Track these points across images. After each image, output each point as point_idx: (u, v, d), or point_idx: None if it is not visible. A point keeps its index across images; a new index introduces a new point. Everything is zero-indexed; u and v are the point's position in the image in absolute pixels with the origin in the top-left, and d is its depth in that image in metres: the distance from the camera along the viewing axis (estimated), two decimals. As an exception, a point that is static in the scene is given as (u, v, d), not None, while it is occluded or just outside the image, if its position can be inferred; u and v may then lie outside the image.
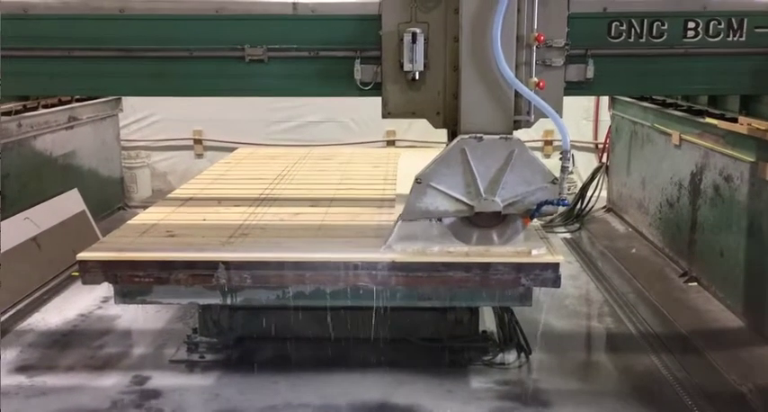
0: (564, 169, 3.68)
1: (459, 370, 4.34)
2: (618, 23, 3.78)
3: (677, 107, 6.11)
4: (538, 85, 3.57)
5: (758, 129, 4.58)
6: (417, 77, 3.73)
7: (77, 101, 7.15)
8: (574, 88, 3.81)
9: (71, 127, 7.02)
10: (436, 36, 3.72)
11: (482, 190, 3.70)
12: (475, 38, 3.58)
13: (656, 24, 3.77)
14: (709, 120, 5.35)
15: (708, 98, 5.58)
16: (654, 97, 6.53)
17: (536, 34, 3.55)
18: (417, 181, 3.73)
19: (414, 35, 3.63)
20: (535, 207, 3.70)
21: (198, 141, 9.20)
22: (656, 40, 3.78)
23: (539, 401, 4.03)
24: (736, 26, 3.77)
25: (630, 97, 7.02)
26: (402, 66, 3.70)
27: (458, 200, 3.73)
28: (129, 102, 8.50)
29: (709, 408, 3.90)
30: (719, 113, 5.30)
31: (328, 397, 4.03)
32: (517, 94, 3.65)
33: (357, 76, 3.80)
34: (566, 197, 3.73)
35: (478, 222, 3.80)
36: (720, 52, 3.80)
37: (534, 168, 3.70)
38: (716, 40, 3.78)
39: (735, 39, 3.78)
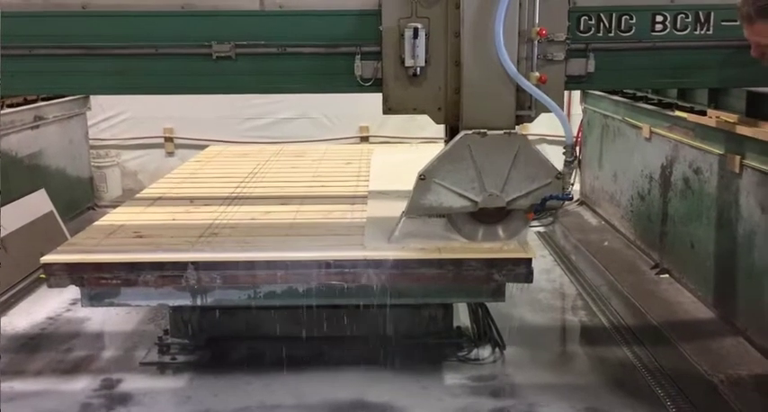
0: (567, 163, 3.69)
1: (434, 366, 4.33)
2: (587, 18, 3.78)
3: (647, 100, 6.15)
4: (540, 79, 3.56)
5: (726, 121, 4.62)
6: (418, 73, 3.70)
7: (43, 100, 7.00)
8: (573, 82, 3.83)
9: (37, 126, 6.88)
10: (437, 31, 3.68)
11: (486, 185, 3.69)
12: (476, 33, 3.56)
13: (624, 18, 3.77)
14: (678, 113, 5.39)
15: (677, 91, 5.62)
16: (624, 91, 6.57)
17: (538, 28, 3.54)
18: (421, 177, 3.70)
19: (415, 30, 3.60)
20: (540, 202, 3.70)
21: (169, 139, 9.08)
22: (624, 34, 3.79)
23: (513, 396, 4.04)
24: (703, 19, 3.79)
25: (602, 91, 7.06)
26: (403, 61, 3.67)
27: (462, 196, 3.72)
28: (97, 100, 8.35)
29: (681, 399, 3.93)
30: (689, 106, 5.34)
31: (302, 396, 4.00)
32: (519, 89, 3.63)
33: (357, 72, 3.75)
34: (570, 191, 3.74)
35: (482, 218, 3.79)
36: (688, 45, 3.81)
37: (538, 163, 3.70)
38: (683, 33, 3.80)
39: (702, 32, 3.80)
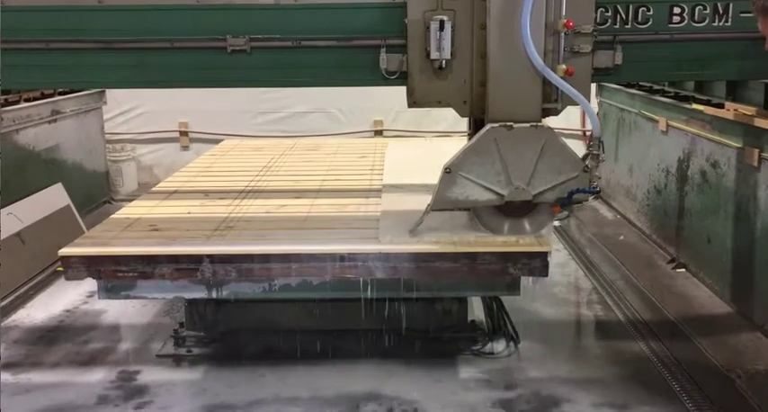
0: (595, 157, 3.67)
1: (448, 360, 4.33)
2: (603, 9, 3.74)
3: (664, 93, 6.10)
4: (567, 71, 3.54)
5: (744, 114, 4.58)
6: (444, 66, 3.69)
7: (60, 94, 7.06)
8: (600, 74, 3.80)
9: (54, 120, 6.94)
10: (463, 23, 3.67)
11: (513, 178, 3.67)
12: (503, 25, 3.54)
13: (641, 10, 3.74)
14: (695, 106, 5.35)
15: (694, 84, 5.57)
16: (640, 84, 6.52)
17: (565, 20, 3.52)
18: (447, 170, 3.68)
19: (441, 23, 3.58)
20: (566, 195, 3.69)
21: (184, 133, 9.11)
22: (641, 26, 3.75)
23: (528, 390, 4.02)
24: (721, 11, 3.75)
25: (618, 84, 7.01)
26: (428, 54, 3.66)
27: (488, 189, 3.70)
28: (113, 94, 8.41)
29: (698, 394, 3.90)
30: (706, 99, 5.29)
31: (317, 389, 4.01)
32: (545, 82, 3.61)
33: (383, 65, 3.74)
34: (597, 185, 3.72)
35: (507, 211, 3.78)
36: (706, 37, 3.77)
37: (565, 156, 3.68)
38: (701, 25, 3.76)
39: (720, 24, 3.75)
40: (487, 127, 3.65)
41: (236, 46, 3.78)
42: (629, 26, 3.75)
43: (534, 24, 3.49)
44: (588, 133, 8.52)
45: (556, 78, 3.56)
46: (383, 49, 3.73)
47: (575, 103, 3.65)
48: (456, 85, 3.77)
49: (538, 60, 3.52)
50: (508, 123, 3.61)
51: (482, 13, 3.61)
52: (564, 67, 3.56)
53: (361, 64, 3.80)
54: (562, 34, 3.56)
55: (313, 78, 3.95)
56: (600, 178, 3.75)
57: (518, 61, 3.57)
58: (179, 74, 3.90)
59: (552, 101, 3.69)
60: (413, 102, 3.82)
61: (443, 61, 3.66)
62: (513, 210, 3.78)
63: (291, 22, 3.78)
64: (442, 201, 3.74)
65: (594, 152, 3.69)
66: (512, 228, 3.81)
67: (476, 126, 3.92)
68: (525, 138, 3.62)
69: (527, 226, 3.81)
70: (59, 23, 3.79)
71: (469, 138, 3.97)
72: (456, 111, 3.85)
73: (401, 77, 3.78)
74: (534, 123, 3.63)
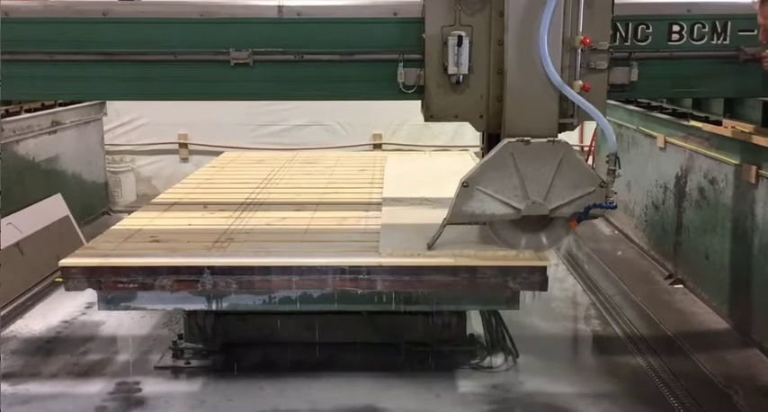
0: (611, 172, 3.69)
1: (447, 373, 4.33)
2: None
3: (662, 110, 6.15)
4: (583, 87, 3.58)
5: (742, 131, 4.62)
6: (461, 80, 3.72)
7: (60, 105, 7.08)
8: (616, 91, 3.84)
9: (54, 131, 6.96)
10: (480, 39, 3.70)
11: (530, 193, 3.69)
12: (521, 41, 3.58)
13: (640, 28, 3.78)
14: (693, 122, 5.38)
15: (692, 101, 5.61)
16: (638, 100, 6.56)
17: (582, 37, 3.55)
18: (464, 185, 3.70)
19: (459, 38, 3.62)
20: (583, 210, 3.71)
21: (183, 145, 9.14)
22: (640, 44, 3.80)
23: (526, 404, 4.02)
24: (720, 29, 3.79)
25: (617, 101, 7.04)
26: (446, 69, 3.69)
27: (505, 203, 3.71)
28: (113, 106, 8.45)
29: (695, 410, 3.90)
30: (704, 116, 5.33)
31: (315, 402, 4.01)
32: (562, 97, 3.64)
33: (400, 79, 3.77)
34: (614, 200, 3.74)
35: (523, 225, 3.79)
36: (704, 55, 3.82)
37: (582, 171, 3.71)
38: (700, 43, 3.80)
39: (719, 42, 3.80)
40: (504, 141, 3.67)
41: (238, 59, 3.81)
42: (628, 43, 3.79)
43: (551, 40, 3.52)
44: (587, 148, 8.57)
45: (573, 94, 3.59)
46: (401, 64, 3.76)
47: (590, 119, 3.69)
48: (473, 99, 3.79)
49: (555, 76, 3.56)
50: (525, 138, 3.64)
51: (500, 28, 3.65)
52: (580, 82, 3.59)
53: (377, 78, 3.82)
54: (579, 50, 3.60)
55: (311, 92, 3.96)
56: (616, 193, 3.76)
57: (535, 77, 3.60)
58: (182, 86, 3.93)
59: (568, 116, 3.73)
60: (429, 116, 3.84)
61: (461, 76, 3.69)
62: (529, 225, 3.79)
63: (294, 36, 3.81)
64: (459, 215, 3.75)
65: (611, 167, 3.70)
66: (528, 242, 3.82)
67: (489, 141, 3.95)
68: (542, 152, 3.65)
69: (543, 240, 3.83)
70: (63, 35, 3.82)
71: (483, 154, 4.00)
72: (472, 125, 3.88)
73: (418, 91, 3.81)
74: (551, 138, 3.66)
